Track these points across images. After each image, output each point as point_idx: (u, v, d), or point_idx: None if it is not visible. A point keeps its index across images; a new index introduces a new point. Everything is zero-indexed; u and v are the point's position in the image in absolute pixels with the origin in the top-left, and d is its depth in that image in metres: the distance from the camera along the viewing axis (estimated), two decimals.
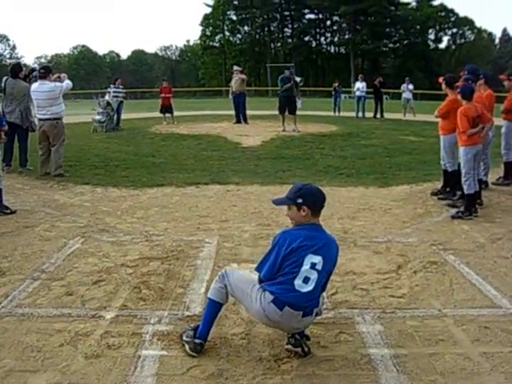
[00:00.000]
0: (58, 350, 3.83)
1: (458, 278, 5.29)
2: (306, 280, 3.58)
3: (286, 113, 19.38)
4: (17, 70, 11.52)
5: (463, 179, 7.76)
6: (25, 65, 13.39)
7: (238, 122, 22.07)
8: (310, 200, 3.74)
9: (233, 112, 22.86)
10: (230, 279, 3.81)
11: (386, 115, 26.81)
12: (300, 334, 3.76)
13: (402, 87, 27.83)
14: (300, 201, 3.72)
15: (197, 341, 3.76)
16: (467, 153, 7.71)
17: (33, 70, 12.25)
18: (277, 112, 20.25)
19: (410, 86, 27.45)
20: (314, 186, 3.85)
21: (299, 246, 3.60)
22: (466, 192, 7.73)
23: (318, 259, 3.60)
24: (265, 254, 3.78)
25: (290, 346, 3.75)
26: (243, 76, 22.83)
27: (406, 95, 27.37)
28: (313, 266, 3.59)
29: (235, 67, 23.86)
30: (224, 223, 7.34)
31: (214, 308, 3.84)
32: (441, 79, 8.99)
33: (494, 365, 3.65)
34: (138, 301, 4.70)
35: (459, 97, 7.90)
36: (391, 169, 11.72)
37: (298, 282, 3.57)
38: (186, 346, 3.78)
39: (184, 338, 3.83)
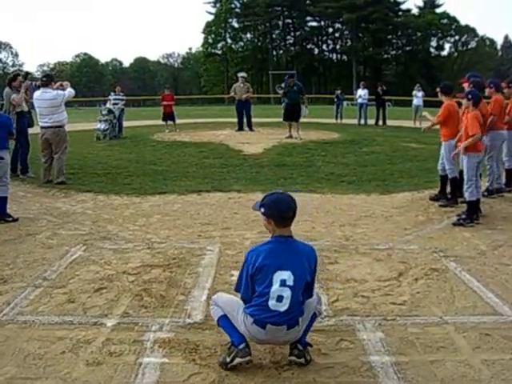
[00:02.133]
0: (59, 357, 3.84)
1: (459, 285, 5.29)
2: (280, 299, 3.52)
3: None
4: (11, 79, 11.52)
5: (465, 186, 7.76)
6: (27, 72, 13.38)
7: (240, 129, 22.06)
8: (270, 210, 3.63)
9: (235, 119, 22.85)
10: (219, 303, 3.82)
11: (388, 122, 26.81)
12: (302, 343, 3.74)
13: (413, 93, 27.31)
14: (262, 210, 3.66)
15: (241, 346, 3.64)
16: (471, 160, 7.71)
17: (27, 73, 12.36)
18: (279, 119, 20.37)
19: (420, 93, 26.81)
20: (279, 195, 3.70)
21: (264, 264, 3.53)
22: (467, 199, 7.74)
23: (287, 275, 3.51)
24: (239, 273, 3.77)
25: (293, 358, 3.70)
26: (249, 85, 22.88)
27: (417, 102, 26.77)
28: (283, 283, 3.51)
29: (241, 74, 23.77)
30: (225, 231, 7.35)
31: (228, 320, 3.76)
32: (437, 89, 9.12)
33: (495, 372, 3.64)
34: (140, 308, 4.71)
35: (465, 101, 7.88)
36: (393, 176, 11.73)
37: (272, 303, 3.52)
38: (237, 360, 3.61)
39: (227, 359, 3.65)
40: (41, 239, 6.92)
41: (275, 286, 3.51)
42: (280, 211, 3.62)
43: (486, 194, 9.15)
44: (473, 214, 7.69)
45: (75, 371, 3.65)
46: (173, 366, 3.72)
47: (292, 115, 19.32)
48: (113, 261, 6.02)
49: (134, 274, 5.57)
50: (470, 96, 7.85)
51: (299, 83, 20.34)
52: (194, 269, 5.76)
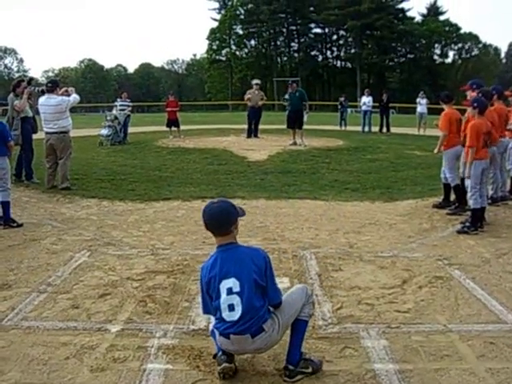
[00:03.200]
0: (63, 362, 3.85)
1: (464, 293, 5.28)
2: (231, 307, 3.52)
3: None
4: (14, 85, 11.57)
5: (469, 194, 7.75)
6: (31, 78, 13.45)
7: (250, 136, 22.04)
8: (204, 220, 3.74)
9: (239, 126, 22.86)
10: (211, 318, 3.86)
11: (392, 129, 26.79)
12: (293, 362, 3.67)
13: (417, 101, 27.37)
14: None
15: (219, 354, 3.71)
16: (476, 167, 7.69)
17: (31, 79, 12.37)
18: (283, 126, 20.55)
19: (424, 101, 26.85)
20: (210, 204, 3.77)
21: (209, 278, 3.60)
22: (471, 207, 7.73)
23: (231, 282, 3.53)
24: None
25: (287, 379, 3.64)
26: (262, 93, 23.00)
27: (421, 109, 26.84)
28: (229, 291, 3.52)
29: (255, 81, 23.80)
30: None
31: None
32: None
33: (500, 381, 3.63)
34: (144, 314, 4.72)
35: (470, 109, 7.87)
36: (397, 183, 11.73)
37: (225, 314, 3.54)
38: (218, 368, 3.66)
39: (219, 369, 3.68)
40: (45, 245, 6.94)
41: (223, 296, 3.54)
42: (204, 220, 3.73)
43: (490, 201, 9.12)
44: (477, 221, 7.67)
45: (79, 377, 3.66)
46: (177, 373, 3.72)
47: (295, 122, 19.45)
48: (117, 267, 6.03)
49: (138, 280, 5.58)
50: (475, 104, 7.82)
51: (302, 90, 20.51)
52: (198, 275, 5.72)
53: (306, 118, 20.03)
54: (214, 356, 3.81)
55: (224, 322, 3.55)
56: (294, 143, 19.21)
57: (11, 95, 11.33)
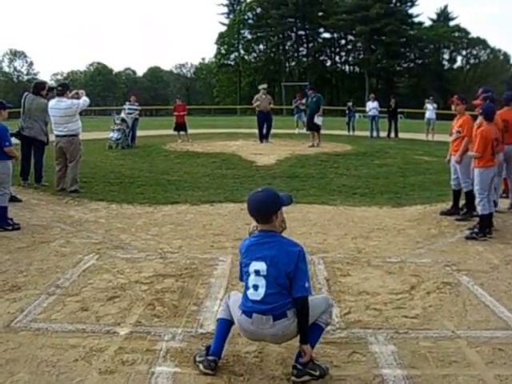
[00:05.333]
0: (72, 365, 3.86)
1: (472, 299, 5.27)
2: (256, 288, 3.65)
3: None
4: (39, 87, 11.68)
5: (477, 200, 7.73)
6: (54, 87, 13.52)
7: (262, 141, 22.17)
8: (247, 207, 3.84)
9: (248, 130, 22.98)
10: (229, 300, 3.95)
11: (400, 135, 26.76)
12: (301, 363, 3.68)
13: (425, 106, 27.31)
14: None
15: (210, 358, 3.76)
16: (486, 174, 7.67)
17: (53, 88, 12.39)
18: (292, 130, 20.96)
19: (432, 106, 26.81)
20: (255, 193, 3.81)
21: (244, 256, 3.77)
22: (480, 213, 7.71)
23: (260, 265, 3.64)
24: None
25: (294, 378, 3.66)
26: (270, 97, 23.21)
27: (429, 115, 26.71)
28: (257, 272, 3.65)
29: (263, 85, 23.90)
30: (238, 241, 7.31)
31: (223, 326, 3.88)
32: (455, 99, 8.92)
33: None
34: (152, 317, 4.73)
35: (481, 117, 7.86)
36: (405, 189, 11.71)
37: (250, 292, 3.68)
38: (200, 366, 3.76)
39: (197, 358, 3.83)
40: (54, 247, 6.97)
41: (251, 276, 3.68)
42: (247, 207, 3.83)
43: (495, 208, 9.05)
44: (485, 227, 7.65)
45: (88, 379, 3.67)
46: (185, 376, 3.73)
47: (311, 126, 20.65)
48: (125, 270, 6.06)
49: (147, 284, 5.60)
50: (481, 111, 7.85)
51: (319, 95, 21.21)
52: (206, 279, 5.78)
53: (319, 121, 20.36)
54: (207, 348, 3.86)
55: (248, 300, 3.68)
56: (313, 145, 20.21)
57: (41, 99, 11.38)
